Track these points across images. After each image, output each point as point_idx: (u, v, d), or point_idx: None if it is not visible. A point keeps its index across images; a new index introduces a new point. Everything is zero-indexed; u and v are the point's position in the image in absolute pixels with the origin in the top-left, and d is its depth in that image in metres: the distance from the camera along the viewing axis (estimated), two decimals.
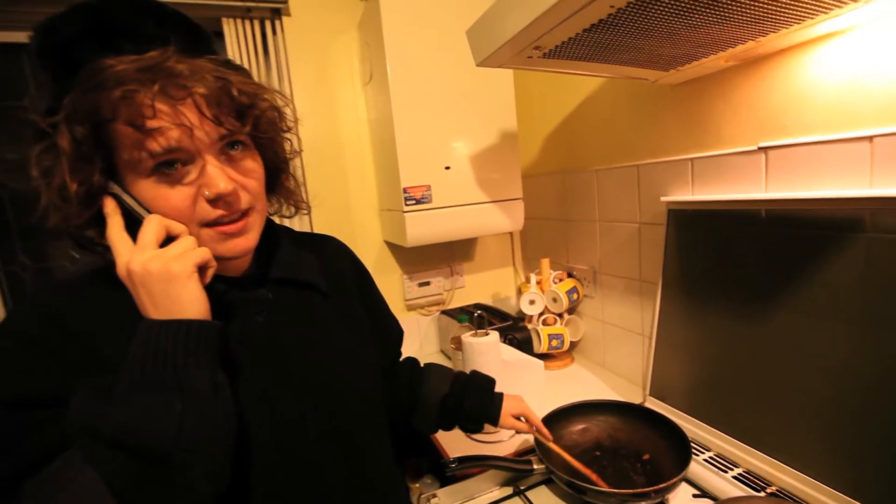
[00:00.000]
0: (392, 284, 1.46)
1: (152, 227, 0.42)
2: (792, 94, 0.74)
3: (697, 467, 0.79)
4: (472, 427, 0.80)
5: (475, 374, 0.84)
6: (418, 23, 1.13)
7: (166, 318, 0.40)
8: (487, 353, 1.01)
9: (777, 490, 0.72)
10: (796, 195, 0.72)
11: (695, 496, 0.75)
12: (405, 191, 1.16)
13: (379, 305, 0.74)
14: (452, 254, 1.54)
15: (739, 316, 0.81)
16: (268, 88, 0.50)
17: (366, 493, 0.57)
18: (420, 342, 1.51)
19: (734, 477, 0.76)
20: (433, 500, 0.81)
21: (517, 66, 0.75)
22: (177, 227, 0.44)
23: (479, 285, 1.60)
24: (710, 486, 0.76)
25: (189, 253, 0.42)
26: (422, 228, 1.19)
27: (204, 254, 0.43)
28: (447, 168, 1.20)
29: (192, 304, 0.41)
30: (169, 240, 0.43)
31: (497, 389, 0.83)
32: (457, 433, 1.00)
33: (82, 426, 0.37)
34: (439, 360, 1.45)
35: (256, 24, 1.26)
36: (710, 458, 0.82)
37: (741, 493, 0.72)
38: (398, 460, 0.66)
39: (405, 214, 1.17)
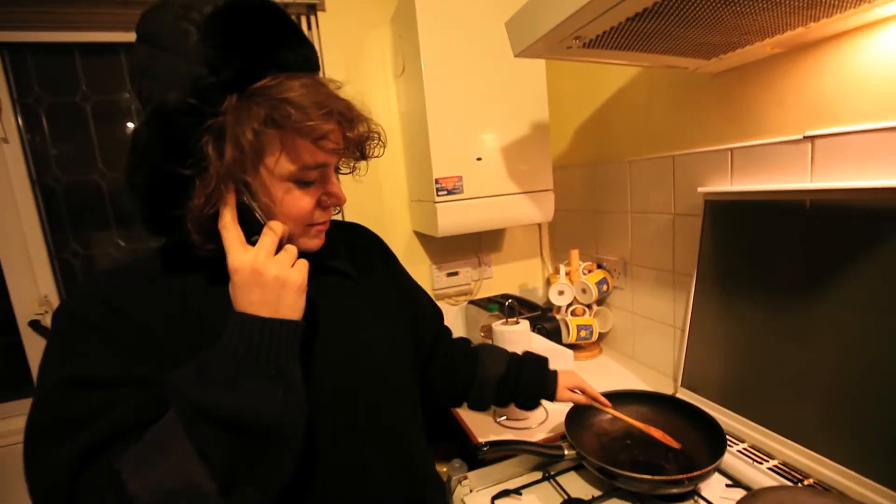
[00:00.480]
0: (421, 274, 1.49)
1: (274, 235, 0.47)
2: (842, 81, 0.72)
3: (731, 458, 0.79)
4: (530, 404, 0.84)
5: (528, 354, 0.87)
6: (451, 16, 1.14)
7: (271, 316, 0.44)
8: (518, 342, 1.02)
9: (815, 482, 0.72)
10: (845, 185, 0.70)
11: (728, 486, 0.75)
12: (437, 181, 1.17)
13: (409, 286, 0.77)
14: (480, 244, 1.55)
15: (777, 307, 0.80)
16: (377, 124, 0.56)
17: (406, 469, 0.60)
18: None
19: (769, 468, 0.76)
20: (464, 482, 0.83)
21: (555, 56, 0.75)
22: (286, 240, 0.49)
23: (507, 276, 1.61)
24: (743, 476, 0.76)
25: (302, 264, 0.47)
26: (453, 219, 1.21)
27: (306, 265, 0.48)
28: (479, 159, 1.21)
29: (298, 309, 0.46)
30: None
31: None
32: (486, 419, 1.03)
33: (193, 409, 0.40)
34: None
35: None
36: (744, 449, 0.82)
37: (776, 484, 0.72)
38: (428, 442, 0.69)
39: (436, 205, 1.18)
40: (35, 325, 1.24)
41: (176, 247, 0.51)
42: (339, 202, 0.53)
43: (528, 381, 0.82)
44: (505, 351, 0.86)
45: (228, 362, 0.41)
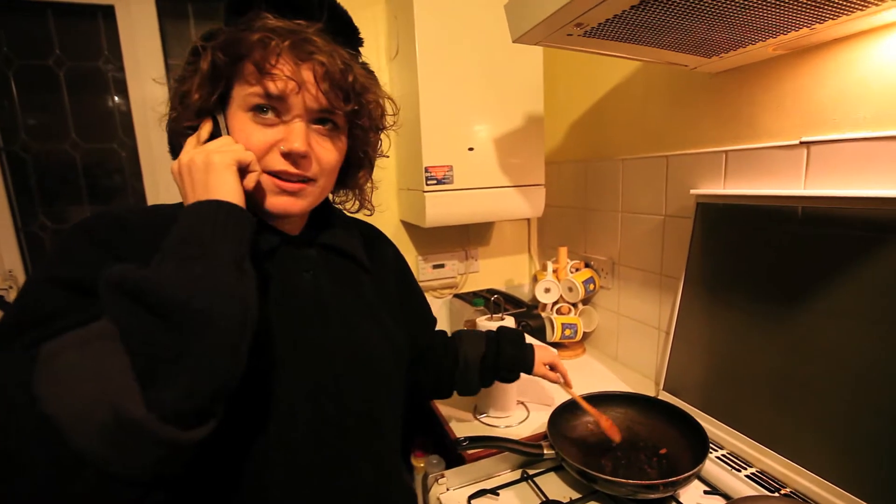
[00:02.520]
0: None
1: (222, 139, 0.47)
2: (842, 88, 0.70)
3: (710, 464, 0.78)
4: (510, 377, 0.87)
5: (503, 328, 0.90)
6: None
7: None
8: None
9: (791, 492, 0.71)
10: (839, 193, 0.69)
11: (706, 493, 0.75)
12: (427, 170, 1.14)
13: (416, 295, 0.79)
14: (468, 237, 1.53)
15: (764, 315, 0.80)
16: (382, 89, 0.56)
17: (376, 466, 0.58)
18: None
19: (747, 476, 0.76)
20: (440, 481, 0.81)
21: (555, 44, 0.73)
22: (244, 152, 0.46)
23: (494, 271, 1.59)
24: (721, 483, 0.75)
25: (234, 149, 0.45)
26: (441, 209, 1.18)
27: (245, 154, 0.46)
28: (470, 149, 1.17)
29: (227, 193, 0.43)
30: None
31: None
32: (466, 415, 1.01)
33: (107, 281, 0.36)
34: None
35: None
36: (723, 455, 0.81)
37: (754, 493, 0.72)
38: (404, 439, 0.68)
39: (425, 194, 1.15)
40: None
41: None
42: (290, 148, 0.48)
43: (508, 354, 0.85)
44: (481, 332, 0.89)
45: (161, 250, 0.39)
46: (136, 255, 0.40)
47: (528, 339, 0.91)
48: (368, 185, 0.64)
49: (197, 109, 0.48)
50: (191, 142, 0.49)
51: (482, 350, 0.84)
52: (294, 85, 0.47)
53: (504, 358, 0.84)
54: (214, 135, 0.49)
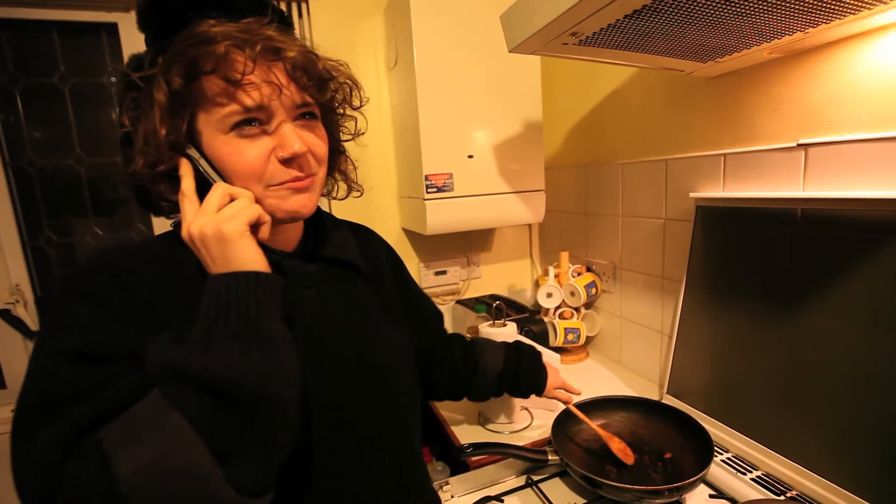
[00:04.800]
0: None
1: (217, 193, 0.44)
2: (838, 90, 0.71)
3: (715, 468, 0.78)
4: (522, 396, 0.87)
5: (522, 346, 0.88)
6: (447, 8, 1.11)
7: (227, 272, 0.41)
8: None
9: (797, 494, 0.71)
10: (837, 195, 0.69)
11: (711, 496, 0.74)
12: (427, 178, 1.15)
13: (413, 291, 0.77)
14: (470, 244, 1.53)
15: (766, 317, 0.79)
16: (346, 67, 0.53)
17: (412, 466, 0.60)
18: None
19: (753, 479, 0.75)
20: (445, 488, 0.81)
21: (551, 53, 0.73)
22: (240, 192, 0.45)
23: (496, 276, 1.60)
24: (727, 487, 0.75)
25: (241, 212, 0.43)
26: (442, 216, 1.18)
27: (254, 211, 0.44)
28: (470, 157, 1.18)
29: (249, 260, 0.42)
30: None
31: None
32: (470, 422, 1.01)
33: (165, 368, 0.37)
34: None
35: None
36: (728, 459, 0.81)
37: (760, 496, 0.71)
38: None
39: (426, 202, 1.16)
40: (5, 314, 1.19)
41: (173, 225, 0.50)
42: (292, 152, 0.46)
43: (525, 379, 0.84)
44: (500, 344, 0.88)
45: (200, 326, 0.39)
46: (134, 313, 0.42)
47: (549, 361, 0.89)
48: (350, 166, 0.63)
49: (169, 146, 0.44)
50: (191, 202, 0.44)
51: (501, 365, 0.83)
52: (273, 87, 0.44)
53: (521, 381, 0.84)
54: (199, 179, 0.45)
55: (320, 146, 0.51)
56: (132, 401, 0.37)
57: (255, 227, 0.44)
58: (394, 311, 0.65)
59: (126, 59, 0.48)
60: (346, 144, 0.62)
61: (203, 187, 0.45)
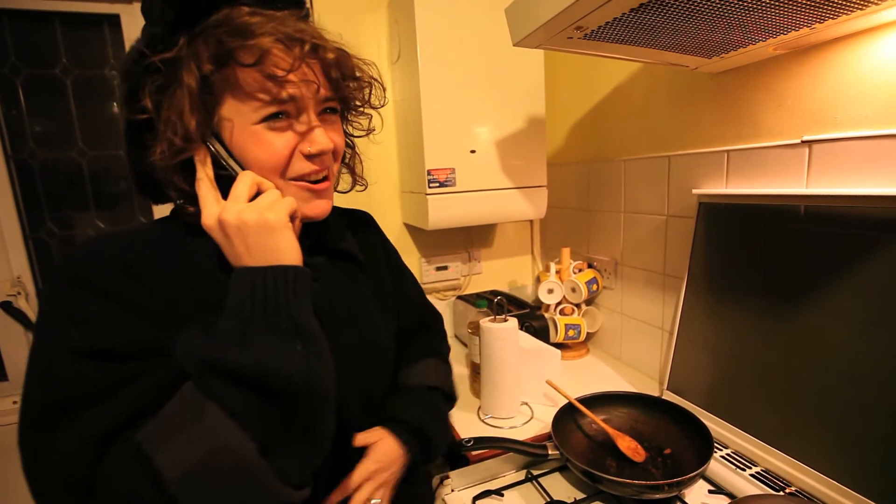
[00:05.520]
0: (410, 267, 1.45)
1: (246, 181, 0.43)
2: (844, 87, 0.70)
3: (714, 464, 0.78)
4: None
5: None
6: (450, 2, 1.10)
7: (264, 265, 0.40)
8: (505, 340, 1.00)
9: (796, 490, 0.71)
10: (841, 192, 0.69)
11: (711, 492, 0.75)
12: (429, 173, 1.15)
13: (402, 273, 0.76)
14: (471, 239, 1.53)
15: (767, 314, 0.79)
16: (373, 67, 0.54)
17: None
18: None
19: (752, 475, 0.75)
20: (445, 482, 0.82)
21: (555, 47, 0.73)
22: (267, 184, 0.45)
23: (497, 272, 1.60)
24: (726, 482, 0.75)
25: (280, 202, 0.43)
26: (444, 212, 1.18)
27: (293, 203, 0.44)
28: (472, 152, 1.18)
29: (289, 251, 0.42)
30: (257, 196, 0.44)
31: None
32: (471, 416, 1.01)
33: (203, 364, 0.36)
34: (454, 344, 1.45)
35: None
36: (728, 455, 0.81)
37: (759, 492, 0.72)
38: None
39: (428, 197, 1.16)
40: (6, 306, 1.19)
41: (180, 213, 0.48)
42: (321, 149, 0.46)
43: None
44: (419, 395, 0.66)
45: (233, 320, 0.38)
46: (146, 304, 0.40)
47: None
48: (357, 160, 0.63)
49: (194, 135, 0.42)
50: (211, 191, 0.43)
51: (406, 417, 0.61)
52: (310, 85, 0.44)
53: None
54: (217, 165, 0.44)
55: (340, 140, 0.51)
56: (157, 399, 0.37)
57: (290, 219, 0.44)
58: (387, 301, 0.65)
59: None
60: (356, 140, 0.62)
61: (218, 179, 0.45)
